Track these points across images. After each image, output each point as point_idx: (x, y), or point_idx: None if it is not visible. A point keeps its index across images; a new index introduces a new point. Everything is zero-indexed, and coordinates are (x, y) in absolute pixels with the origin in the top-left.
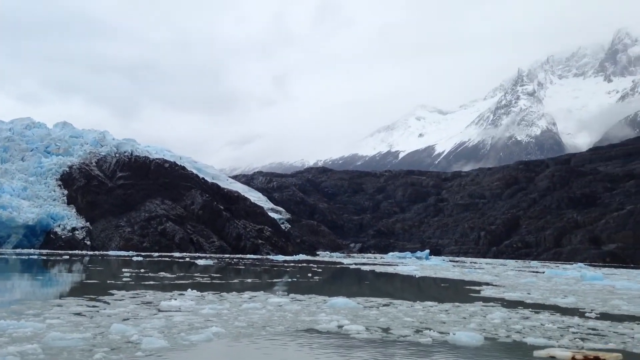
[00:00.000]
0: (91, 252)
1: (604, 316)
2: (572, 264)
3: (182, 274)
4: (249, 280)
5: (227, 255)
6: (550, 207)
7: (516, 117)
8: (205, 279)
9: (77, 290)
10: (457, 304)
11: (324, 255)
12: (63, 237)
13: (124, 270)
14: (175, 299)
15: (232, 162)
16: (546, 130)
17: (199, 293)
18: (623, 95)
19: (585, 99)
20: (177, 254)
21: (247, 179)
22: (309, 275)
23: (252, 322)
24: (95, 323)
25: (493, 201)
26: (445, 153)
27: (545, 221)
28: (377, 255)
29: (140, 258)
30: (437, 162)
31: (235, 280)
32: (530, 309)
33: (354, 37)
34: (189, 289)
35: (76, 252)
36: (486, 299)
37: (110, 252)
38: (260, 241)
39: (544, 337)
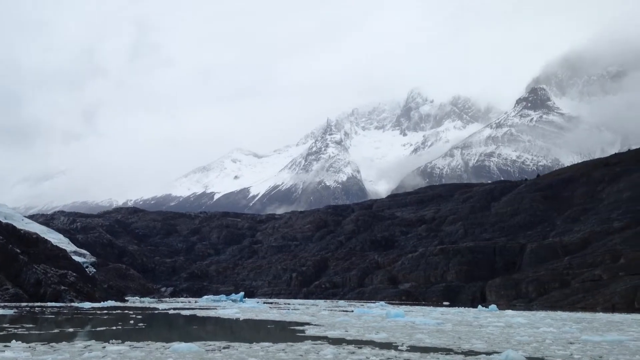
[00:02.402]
0: None
1: (413, 348)
2: (374, 302)
3: None
4: (70, 329)
5: (25, 304)
6: (355, 249)
7: (325, 164)
8: (20, 329)
9: None
10: (289, 343)
11: (134, 301)
12: None
13: None
14: (3, 351)
15: (28, 201)
16: (351, 177)
17: (25, 344)
18: (415, 148)
19: (384, 149)
20: None
21: (47, 219)
22: (131, 322)
23: None
24: None
25: (304, 243)
26: (259, 195)
27: (350, 262)
28: (191, 299)
29: None
30: (251, 204)
31: (55, 330)
32: (353, 345)
33: (172, 76)
34: (13, 340)
35: None
36: (313, 338)
37: None
38: (63, 287)
39: None
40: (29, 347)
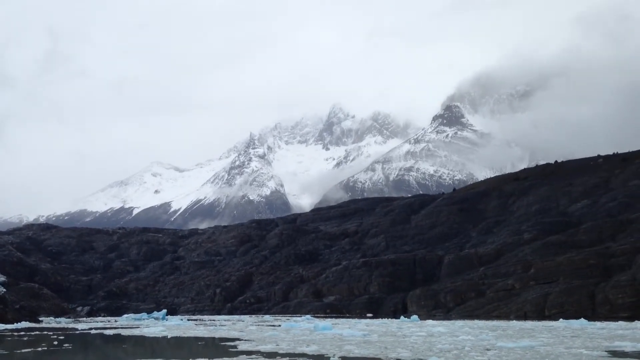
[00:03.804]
0: None
1: (344, 359)
2: (299, 316)
3: None
4: None
5: None
6: (280, 263)
7: (249, 178)
8: None
9: None
10: (225, 359)
11: (49, 321)
12: None
13: None
14: None
15: None
16: (275, 191)
17: None
18: (338, 162)
19: (307, 163)
20: None
21: None
22: (55, 343)
23: None
24: None
25: (228, 258)
26: (181, 210)
27: (275, 276)
28: (110, 319)
29: None
30: (173, 219)
31: None
32: (287, 358)
33: (86, 88)
34: None
35: None
36: (247, 352)
37: None
38: None
39: None
40: None
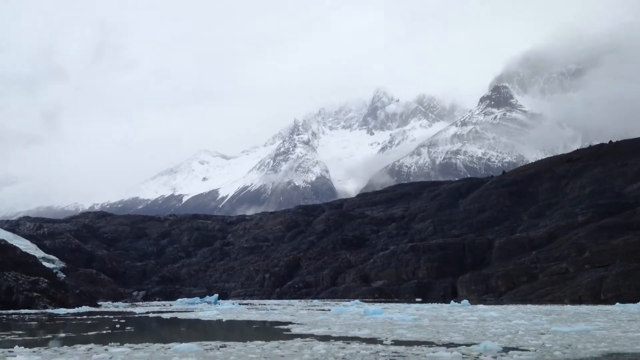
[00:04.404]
0: None
1: (397, 343)
2: (348, 300)
3: None
4: (63, 334)
5: None
6: (327, 248)
7: (294, 164)
8: (11, 336)
9: None
10: (281, 341)
11: (108, 306)
12: None
13: None
14: (15, 356)
15: None
16: (320, 177)
17: (29, 349)
18: (383, 147)
19: (352, 149)
20: None
21: (12, 225)
22: (117, 326)
23: None
24: None
25: (276, 244)
26: (229, 197)
27: (322, 262)
28: (165, 303)
29: None
30: (221, 205)
31: (48, 336)
32: (341, 341)
33: (135, 78)
34: (16, 346)
35: None
36: (301, 335)
37: None
38: (35, 294)
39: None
40: (34, 351)
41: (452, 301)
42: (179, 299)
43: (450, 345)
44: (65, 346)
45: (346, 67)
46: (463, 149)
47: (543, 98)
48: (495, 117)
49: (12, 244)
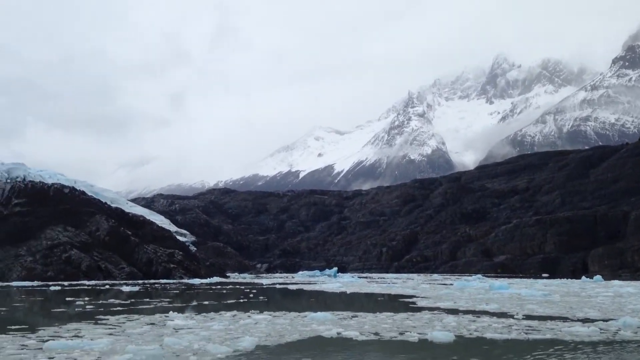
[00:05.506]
0: None
1: (528, 317)
2: (469, 275)
3: (133, 301)
4: (206, 302)
5: (142, 281)
6: (445, 222)
7: (409, 137)
8: (161, 303)
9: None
10: (410, 313)
11: (235, 277)
12: None
13: (69, 299)
14: (173, 320)
15: (127, 185)
16: (436, 149)
17: (181, 314)
18: (504, 116)
19: (470, 119)
20: (86, 282)
21: (148, 202)
22: (251, 295)
23: (269, 332)
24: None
25: (393, 218)
26: (344, 172)
27: (441, 236)
28: (287, 275)
29: (58, 288)
30: (336, 180)
31: (194, 303)
32: (470, 314)
33: (251, 59)
34: (171, 312)
35: None
36: (429, 308)
37: (13, 283)
38: (172, 265)
39: (496, 332)
40: (187, 316)
41: (582, 277)
42: (300, 272)
43: (586, 320)
44: (212, 312)
45: (462, 34)
46: (594, 115)
47: None
48: (630, 79)
49: (149, 220)
